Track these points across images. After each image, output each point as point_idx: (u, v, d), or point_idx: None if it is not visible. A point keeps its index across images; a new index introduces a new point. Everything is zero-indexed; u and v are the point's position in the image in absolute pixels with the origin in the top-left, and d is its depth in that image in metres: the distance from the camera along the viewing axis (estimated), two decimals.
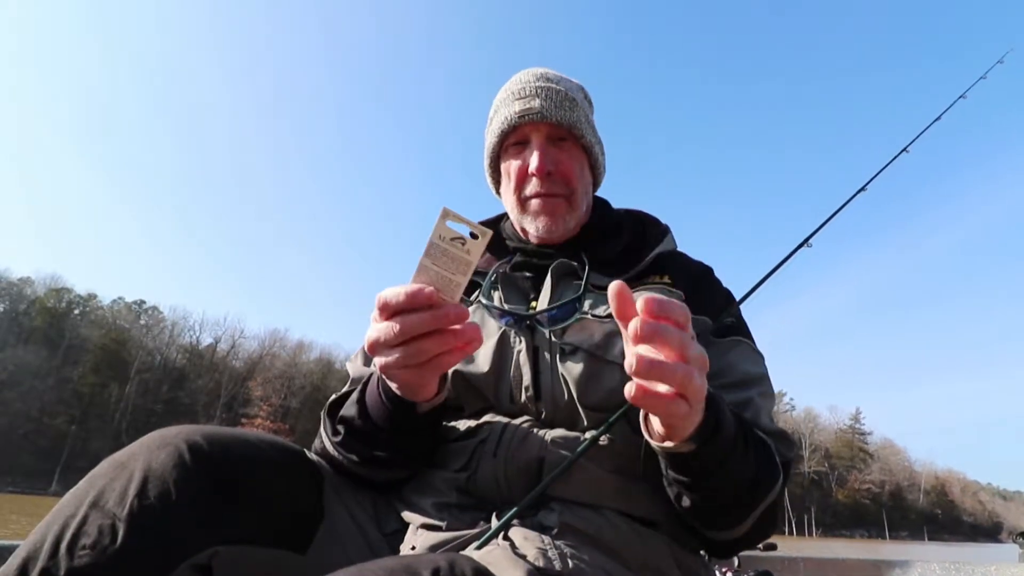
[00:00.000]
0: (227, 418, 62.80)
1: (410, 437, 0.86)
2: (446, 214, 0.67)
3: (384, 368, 0.72)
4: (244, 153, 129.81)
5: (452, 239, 0.67)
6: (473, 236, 0.67)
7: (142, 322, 68.49)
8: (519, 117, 1.03)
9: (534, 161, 1.02)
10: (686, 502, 0.79)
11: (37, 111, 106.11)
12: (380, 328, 0.69)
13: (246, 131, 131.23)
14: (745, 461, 0.76)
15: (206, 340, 70.69)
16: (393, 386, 0.78)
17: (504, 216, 1.18)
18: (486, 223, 1.17)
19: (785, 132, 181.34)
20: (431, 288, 0.66)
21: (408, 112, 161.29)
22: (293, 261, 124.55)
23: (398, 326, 0.67)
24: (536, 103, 1.03)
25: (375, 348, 0.71)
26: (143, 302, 70.10)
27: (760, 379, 0.96)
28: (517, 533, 0.77)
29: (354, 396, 0.88)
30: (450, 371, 0.90)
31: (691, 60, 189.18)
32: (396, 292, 0.68)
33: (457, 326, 0.68)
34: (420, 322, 0.67)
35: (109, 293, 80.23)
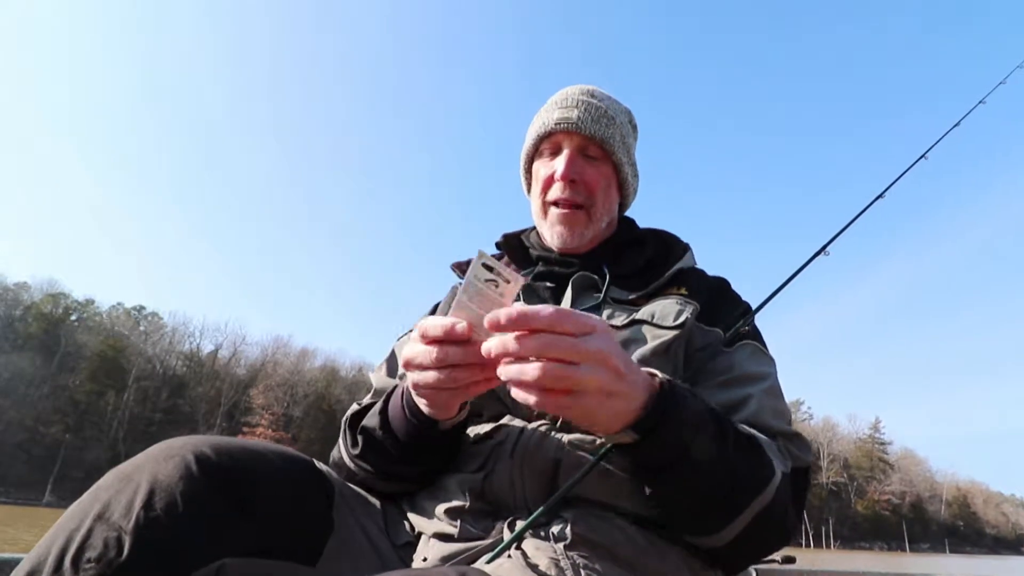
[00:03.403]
0: (228, 427, 61.22)
1: (428, 453, 0.89)
2: (481, 256, 0.71)
3: (416, 386, 0.78)
4: (249, 155, 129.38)
5: (487, 280, 0.71)
6: (506, 280, 0.71)
7: (141, 328, 67.07)
8: (555, 124, 1.09)
9: (560, 167, 1.08)
10: (653, 500, 0.79)
11: (35, 111, 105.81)
12: (419, 350, 0.74)
13: (251, 132, 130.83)
14: (717, 458, 0.75)
15: (207, 347, 69.21)
16: (421, 403, 0.81)
17: (530, 228, 1.23)
18: (509, 236, 1.22)
19: (801, 137, 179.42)
20: (464, 324, 0.71)
21: (426, 118, 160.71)
22: (298, 265, 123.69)
23: (435, 353, 0.72)
24: (574, 114, 1.09)
25: (410, 365, 0.76)
26: (142, 308, 68.86)
27: (763, 376, 0.95)
28: (530, 544, 0.78)
29: (376, 407, 0.92)
30: None
31: (705, 59, 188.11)
32: (435, 324, 0.72)
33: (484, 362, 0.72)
34: (455, 355, 0.72)
35: (108, 299, 79.40)
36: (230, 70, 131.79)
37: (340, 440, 0.98)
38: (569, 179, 1.07)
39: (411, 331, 1.11)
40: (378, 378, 1.11)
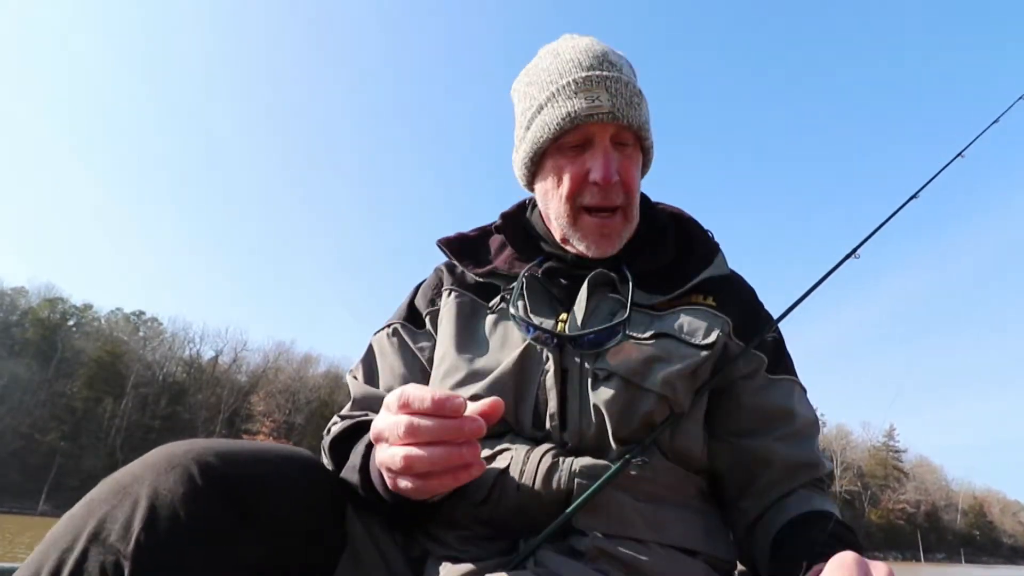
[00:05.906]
0: (228, 434, 59.78)
1: (421, 516, 0.82)
2: None
3: (382, 465, 0.68)
4: (251, 157, 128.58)
5: None
6: None
7: (140, 334, 65.94)
8: (586, 116, 0.89)
9: (598, 169, 0.90)
10: None
11: (34, 113, 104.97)
12: (388, 420, 0.65)
13: (253, 133, 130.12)
14: None
15: (207, 353, 67.97)
16: (390, 481, 0.71)
17: (527, 207, 1.10)
18: (506, 215, 1.09)
19: (832, 136, 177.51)
20: (461, 399, 0.62)
21: (429, 118, 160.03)
22: (300, 269, 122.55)
23: (407, 423, 0.62)
24: (604, 99, 0.89)
25: (379, 440, 0.68)
26: (142, 313, 67.70)
27: (813, 422, 0.95)
28: (548, 556, 0.75)
29: (355, 462, 0.80)
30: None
31: (727, 51, 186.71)
32: (422, 396, 0.62)
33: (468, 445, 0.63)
34: (435, 429, 0.62)
35: (106, 304, 78.38)
36: (231, 71, 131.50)
37: (326, 460, 0.88)
38: (612, 182, 0.90)
39: (390, 326, 1.04)
40: (356, 386, 0.99)
